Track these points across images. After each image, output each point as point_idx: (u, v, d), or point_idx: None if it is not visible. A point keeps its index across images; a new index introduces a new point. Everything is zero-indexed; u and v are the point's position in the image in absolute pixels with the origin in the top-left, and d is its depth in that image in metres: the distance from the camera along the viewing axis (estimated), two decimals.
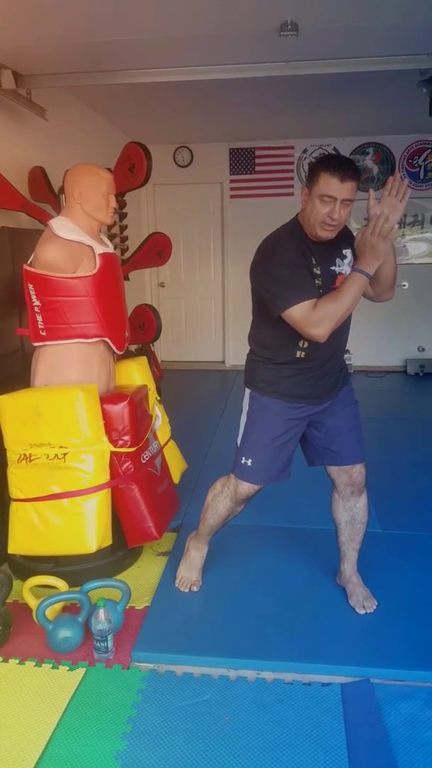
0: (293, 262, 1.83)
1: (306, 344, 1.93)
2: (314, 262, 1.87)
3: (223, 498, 2.19)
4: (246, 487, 2.11)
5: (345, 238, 1.94)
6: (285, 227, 1.95)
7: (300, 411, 2.03)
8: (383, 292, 2.00)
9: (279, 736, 1.65)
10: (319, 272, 1.87)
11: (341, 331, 1.96)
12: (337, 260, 1.92)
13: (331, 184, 1.76)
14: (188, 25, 2.66)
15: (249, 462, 2.07)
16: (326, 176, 1.76)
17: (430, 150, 5.98)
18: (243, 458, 2.08)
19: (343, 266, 1.93)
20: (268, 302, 1.88)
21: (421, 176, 6.06)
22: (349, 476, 2.12)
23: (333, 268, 1.91)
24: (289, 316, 1.81)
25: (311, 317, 1.78)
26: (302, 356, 1.97)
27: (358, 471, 2.12)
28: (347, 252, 1.94)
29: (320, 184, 1.78)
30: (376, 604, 2.16)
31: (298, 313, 1.79)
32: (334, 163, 1.77)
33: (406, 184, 1.76)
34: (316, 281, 1.86)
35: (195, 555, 2.36)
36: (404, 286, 6.31)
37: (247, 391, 2.10)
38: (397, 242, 6.22)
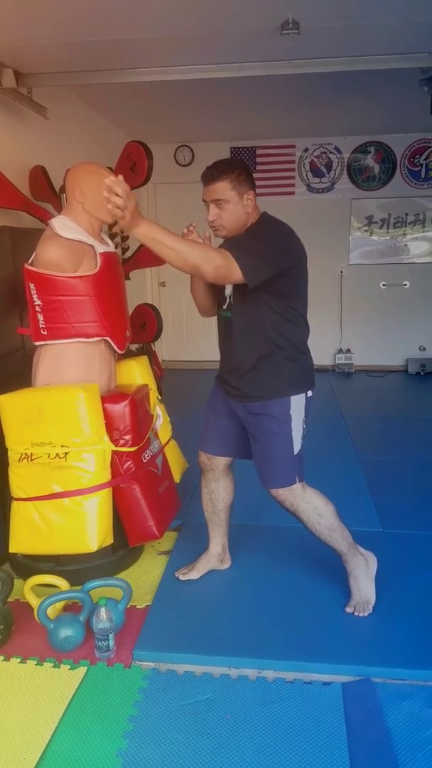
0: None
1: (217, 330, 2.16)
2: None
3: (200, 479, 2.36)
4: (199, 454, 2.31)
5: (254, 228, 1.98)
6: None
7: (221, 394, 2.19)
8: (195, 275, 1.90)
9: (280, 735, 1.65)
10: None
11: (231, 331, 2.03)
12: None
13: (202, 190, 1.94)
14: (189, 24, 2.66)
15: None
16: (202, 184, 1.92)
17: (431, 149, 5.98)
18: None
19: None
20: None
21: (423, 175, 6.06)
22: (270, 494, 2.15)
23: None
24: (237, 257, 1.94)
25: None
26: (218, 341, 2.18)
27: (271, 493, 2.09)
28: None
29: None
30: (371, 610, 2.12)
31: (243, 260, 1.93)
32: (204, 171, 1.94)
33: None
34: None
35: (203, 552, 2.42)
36: (405, 285, 6.31)
37: None
38: (398, 241, 6.23)
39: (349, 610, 2.14)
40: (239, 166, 1.93)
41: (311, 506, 2.08)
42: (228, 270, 1.78)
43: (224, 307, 2.06)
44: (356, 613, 2.12)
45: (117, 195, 1.59)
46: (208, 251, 1.78)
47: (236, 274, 1.79)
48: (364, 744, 1.62)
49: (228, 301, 2.03)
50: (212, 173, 1.90)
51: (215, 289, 2.10)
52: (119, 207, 1.60)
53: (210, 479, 2.31)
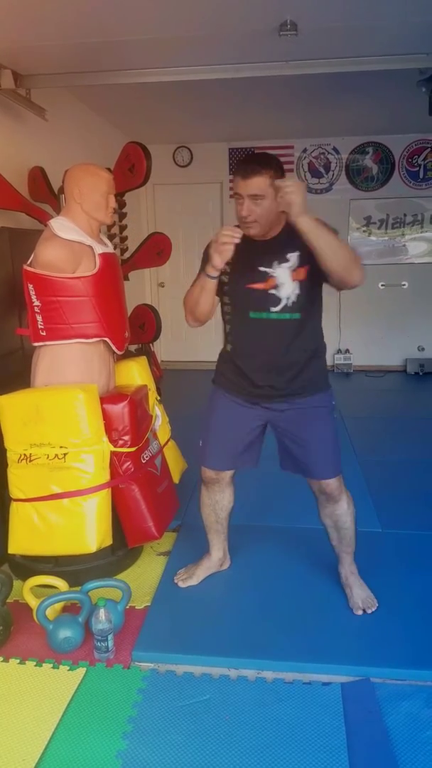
0: (205, 255, 1.96)
1: (231, 338, 2.08)
2: (233, 258, 1.86)
3: (201, 489, 2.31)
4: (205, 472, 2.24)
5: (294, 240, 1.86)
6: None
7: (243, 407, 2.10)
8: (336, 283, 1.90)
9: (279, 736, 1.65)
10: (229, 270, 1.95)
11: (274, 334, 1.97)
12: (274, 262, 1.91)
13: (237, 183, 1.85)
14: (188, 25, 2.66)
15: (201, 443, 2.23)
16: (235, 176, 1.87)
17: (429, 149, 5.98)
18: (200, 441, 2.24)
19: (278, 269, 1.91)
20: None
21: (421, 176, 6.06)
22: (319, 486, 2.12)
23: (263, 268, 1.91)
24: None
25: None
26: (230, 349, 2.10)
27: (326, 484, 2.10)
28: (292, 256, 1.91)
29: (234, 184, 1.88)
30: (376, 604, 2.16)
31: None
32: (240, 163, 1.88)
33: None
34: (223, 277, 1.96)
35: (204, 557, 2.40)
36: (404, 285, 6.32)
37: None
38: (397, 242, 6.24)
39: (359, 612, 2.13)
40: (276, 162, 1.88)
41: (349, 497, 2.16)
42: (363, 275, 1.88)
43: (276, 309, 1.95)
44: (369, 611, 2.13)
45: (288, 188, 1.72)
46: (353, 252, 1.87)
47: (361, 279, 1.89)
48: (363, 744, 1.62)
49: (284, 303, 1.94)
50: (252, 167, 1.82)
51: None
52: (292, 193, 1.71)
53: (215, 491, 2.27)
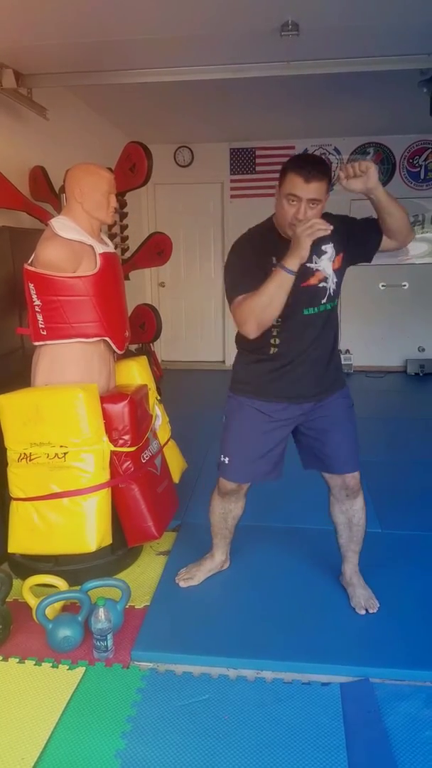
0: (248, 258, 1.88)
1: (278, 340, 1.95)
2: (278, 261, 1.81)
3: (212, 498, 2.26)
4: (227, 485, 2.19)
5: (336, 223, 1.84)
6: (256, 227, 1.99)
7: (278, 411, 2.04)
8: (401, 240, 1.97)
9: (278, 736, 1.65)
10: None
11: (317, 327, 1.97)
12: (314, 257, 1.90)
13: (296, 184, 1.75)
14: (189, 25, 2.66)
15: (226, 460, 2.14)
16: (292, 176, 1.76)
17: (430, 150, 5.99)
18: (222, 456, 2.15)
19: (321, 262, 1.92)
20: (227, 299, 1.92)
21: (422, 176, 6.07)
22: (342, 481, 2.12)
23: (309, 264, 1.90)
24: (231, 311, 1.87)
25: (239, 312, 1.83)
26: (275, 352, 1.98)
27: (351, 477, 2.11)
28: (327, 247, 1.92)
29: (286, 183, 1.78)
30: (378, 604, 2.16)
31: (233, 307, 1.85)
32: (299, 163, 1.78)
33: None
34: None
35: (206, 558, 2.40)
36: (404, 286, 6.32)
37: (228, 391, 2.14)
38: None
39: (362, 611, 2.13)
40: (329, 167, 1.85)
41: (363, 496, 2.17)
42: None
43: (325, 301, 1.95)
44: (371, 611, 2.13)
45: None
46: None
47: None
48: (362, 744, 1.62)
49: (329, 293, 1.95)
50: (316, 171, 1.74)
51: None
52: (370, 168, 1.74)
53: (230, 501, 2.25)
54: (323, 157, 6.09)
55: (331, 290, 1.97)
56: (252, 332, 1.83)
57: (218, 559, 2.39)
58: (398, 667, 1.88)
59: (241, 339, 2.03)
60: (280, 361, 1.99)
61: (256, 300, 1.78)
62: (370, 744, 1.62)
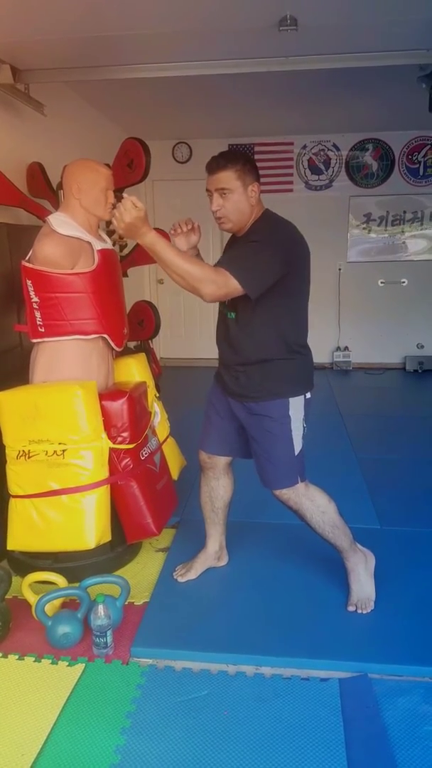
0: None
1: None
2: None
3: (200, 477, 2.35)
4: (199, 453, 2.31)
5: (247, 233, 1.97)
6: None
7: (219, 393, 2.19)
8: (192, 292, 1.91)
9: (277, 731, 1.65)
10: None
11: (228, 329, 2.04)
12: None
13: (207, 180, 1.93)
14: (187, 20, 2.65)
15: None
16: (206, 174, 1.93)
17: (429, 146, 5.98)
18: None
19: None
20: None
21: (421, 172, 6.06)
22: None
23: None
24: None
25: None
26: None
27: (275, 493, 2.10)
28: None
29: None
30: (372, 607, 2.13)
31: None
32: (209, 161, 1.92)
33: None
34: None
35: (201, 551, 2.41)
36: (403, 283, 6.31)
37: None
38: (396, 239, 6.23)
39: (351, 608, 2.13)
40: (244, 157, 1.94)
41: (314, 504, 2.09)
42: (227, 289, 1.81)
43: (225, 304, 2.04)
44: (359, 611, 2.12)
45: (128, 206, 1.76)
46: (206, 271, 1.81)
47: (236, 291, 1.82)
48: (361, 740, 1.63)
49: (228, 300, 1.98)
50: (218, 162, 1.90)
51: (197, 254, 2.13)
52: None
53: (210, 477, 2.31)
54: (323, 152, 6.10)
55: (227, 299, 1.94)
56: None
57: (211, 549, 2.40)
58: (397, 663, 1.88)
59: None
60: (218, 346, 2.14)
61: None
62: (368, 739, 1.63)
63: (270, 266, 1.84)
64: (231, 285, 1.80)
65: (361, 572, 2.18)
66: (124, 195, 1.80)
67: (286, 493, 2.07)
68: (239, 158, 1.91)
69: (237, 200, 1.90)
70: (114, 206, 2.37)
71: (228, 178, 1.88)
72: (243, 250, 1.89)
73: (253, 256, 1.85)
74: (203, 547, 2.41)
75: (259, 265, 1.83)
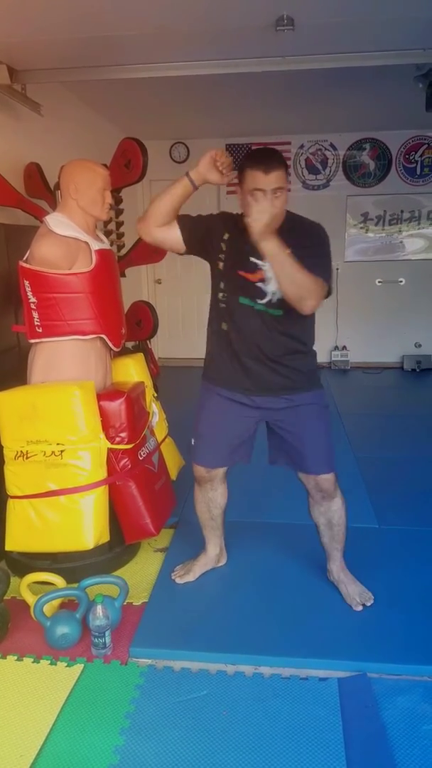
0: (201, 216, 2.03)
1: (227, 317, 2.00)
2: (229, 242, 1.93)
3: (195, 487, 2.30)
4: (198, 470, 2.23)
5: (289, 234, 1.83)
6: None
7: (236, 402, 2.08)
8: (293, 303, 1.88)
9: (277, 731, 1.65)
10: (225, 249, 1.95)
11: (261, 324, 1.96)
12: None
13: (258, 178, 1.79)
14: (184, 20, 2.65)
15: (193, 442, 2.21)
16: (251, 171, 1.80)
17: (426, 145, 5.98)
18: (192, 439, 2.21)
19: (268, 263, 1.86)
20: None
21: (418, 172, 6.07)
22: (315, 483, 2.12)
23: (255, 259, 1.89)
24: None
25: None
26: (225, 328, 2.02)
27: (323, 479, 2.11)
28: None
29: (248, 180, 1.82)
30: (372, 596, 2.16)
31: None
32: (255, 157, 1.83)
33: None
34: (219, 262, 1.97)
35: (201, 553, 2.40)
36: (401, 282, 6.32)
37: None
38: (394, 238, 6.23)
39: (359, 608, 2.13)
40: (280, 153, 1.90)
41: (341, 496, 2.17)
42: (322, 299, 1.87)
43: (262, 301, 1.94)
44: (367, 604, 2.14)
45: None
46: (317, 282, 1.82)
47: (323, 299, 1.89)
48: (360, 739, 1.63)
49: (269, 298, 1.93)
50: (272, 158, 1.80)
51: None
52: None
53: (207, 489, 2.27)
54: (320, 152, 6.10)
55: (272, 295, 1.92)
56: (144, 228, 1.94)
57: (212, 553, 2.40)
58: (396, 662, 1.88)
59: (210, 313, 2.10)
60: (232, 342, 2.02)
61: (155, 200, 1.93)
62: (367, 738, 1.63)
63: (330, 267, 1.95)
64: (323, 295, 1.86)
65: (346, 569, 2.22)
66: (260, 194, 1.77)
67: (333, 477, 2.12)
68: (282, 156, 1.86)
69: (284, 200, 1.83)
70: (111, 207, 2.39)
71: (282, 176, 1.81)
72: (318, 259, 1.87)
73: (329, 262, 1.93)
74: (203, 550, 2.40)
75: (329, 270, 1.92)
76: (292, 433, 2.09)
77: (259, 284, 1.92)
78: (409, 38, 2.89)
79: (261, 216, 1.72)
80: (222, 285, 2.00)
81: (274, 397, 2.05)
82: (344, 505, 2.17)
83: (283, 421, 2.09)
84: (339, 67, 3.20)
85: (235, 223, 1.95)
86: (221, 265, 1.98)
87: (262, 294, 1.93)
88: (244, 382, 2.06)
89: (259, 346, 1.99)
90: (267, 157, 1.81)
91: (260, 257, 1.87)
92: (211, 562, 2.40)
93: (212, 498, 2.29)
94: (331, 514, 2.15)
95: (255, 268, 1.91)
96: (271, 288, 1.92)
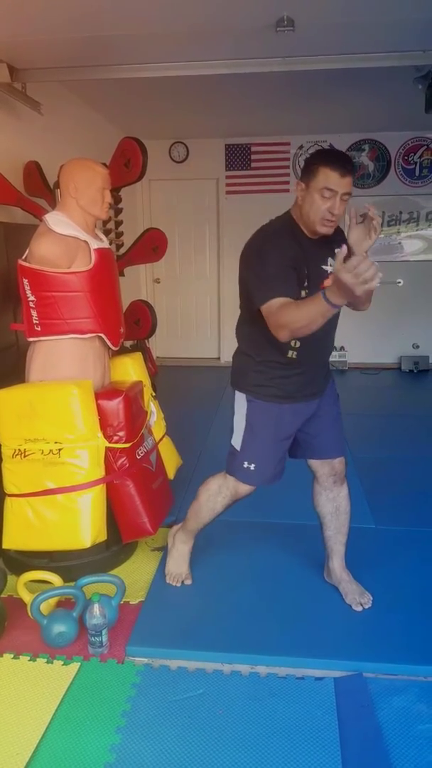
0: (281, 258, 1.80)
1: (298, 344, 1.91)
2: (306, 260, 1.84)
3: (221, 498, 2.17)
4: (246, 489, 2.12)
5: (339, 235, 1.93)
6: (278, 221, 1.93)
7: (299, 411, 2.05)
8: (358, 305, 1.93)
9: (272, 730, 1.66)
10: (307, 271, 1.85)
11: (329, 332, 1.99)
12: (329, 259, 1.91)
13: (332, 179, 1.76)
14: (184, 20, 2.66)
15: (252, 466, 2.05)
16: (326, 170, 1.77)
17: (425, 147, 5.99)
18: (246, 463, 2.06)
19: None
20: (252, 296, 1.84)
21: (417, 173, 6.07)
22: (331, 467, 2.15)
23: (324, 267, 1.90)
24: (263, 311, 1.79)
25: (275, 318, 1.74)
26: (294, 356, 1.95)
27: (339, 461, 2.16)
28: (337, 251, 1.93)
29: (320, 178, 1.78)
30: (371, 597, 2.17)
31: (268, 309, 1.76)
32: (333, 158, 1.79)
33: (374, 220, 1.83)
34: (305, 282, 1.84)
35: (183, 549, 2.37)
36: (399, 283, 6.33)
37: (240, 394, 2.06)
38: (392, 239, 6.24)
39: (359, 608, 2.14)
40: None
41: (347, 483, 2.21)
42: None
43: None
44: (367, 606, 2.15)
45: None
46: None
47: None
48: (356, 738, 1.63)
49: None
50: (349, 166, 1.79)
51: None
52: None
53: (237, 502, 2.20)
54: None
55: None
56: (284, 339, 1.77)
57: (192, 544, 2.36)
58: (392, 662, 1.89)
59: (254, 338, 1.97)
60: (298, 365, 1.97)
61: (295, 317, 1.69)
62: (363, 738, 1.64)
63: None
64: None
65: (347, 572, 2.22)
66: (366, 256, 1.48)
67: (345, 460, 2.17)
68: (353, 163, 1.86)
69: (347, 206, 1.83)
70: (111, 206, 2.39)
71: (351, 184, 1.81)
72: None
73: None
74: (181, 545, 2.36)
75: None
76: (315, 420, 2.10)
77: None
78: (408, 40, 2.90)
79: (366, 281, 1.44)
80: None
81: (321, 395, 2.10)
82: (349, 494, 2.20)
83: (327, 398, 2.13)
84: (339, 68, 3.20)
85: (295, 237, 1.87)
86: (304, 293, 1.85)
87: None
88: (311, 389, 2.04)
89: (326, 349, 2.05)
90: (345, 161, 1.79)
91: (326, 262, 1.90)
92: (187, 553, 2.37)
93: (228, 507, 2.22)
94: (340, 500, 2.17)
95: (327, 274, 1.90)
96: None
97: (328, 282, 1.87)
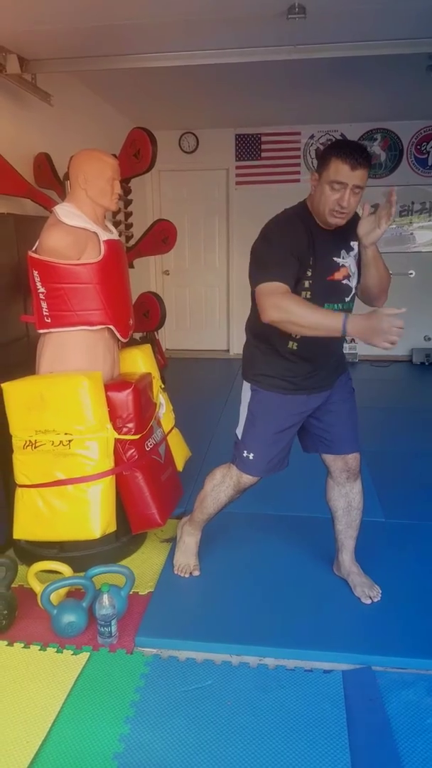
0: (284, 244, 1.79)
1: (298, 335, 1.88)
2: (313, 250, 1.82)
3: (225, 488, 2.19)
4: (248, 479, 2.13)
5: (353, 228, 1.88)
6: (292, 209, 1.92)
7: (302, 404, 2.03)
8: (371, 300, 1.96)
9: (280, 722, 1.66)
10: (313, 261, 1.83)
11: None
12: (342, 251, 1.89)
13: (342, 171, 1.74)
14: (195, 9, 2.63)
15: (251, 456, 2.07)
16: (337, 162, 1.74)
17: None
18: (245, 452, 2.08)
19: (348, 258, 1.90)
20: (251, 277, 1.84)
21: (429, 163, 6.00)
22: (344, 462, 2.13)
23: (336, 258, 1.88)
24: (256, 291, 1.78)
25: (270, 299, 1.72)
26: (295, 348, 1.94)
27: (353, 457, 2.14)
28: (355, 244, 1.91)
29: (330, 170, 1.76)
30: (380, 591, 2.17)
31: (261, 290, 1.75)
32: (345, 149, 1.75)
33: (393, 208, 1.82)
34: (308, 270, 1.82)
35: (190, 541, 2.38)
36: (411, 274, 6.27)
37: (246, 384, 2.08)
38: (404, 230, 6.18)
39: (368, 601, 2.13)
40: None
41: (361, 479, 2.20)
42: None
43: (348, 298, 1.94)
44: (376, 599, 2.14)
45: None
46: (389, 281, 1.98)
47: None
48: (364, 732, 1.63)
49: (353, 292, 1.95)
50: (362, 158, 1.74)
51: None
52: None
53: (242, 493, 2.21)
54: (330, 142, 6.05)
55: (355, 287, 1.95)
56: (267, 320, 1.76)
57: (200, 536, 2.38)
58: (400, 656, 1.89)
59: (258, 330, 1.97)
60: (301, 356, 1.96)
61: (303, 314, 1.69)
62: (371, 731, 1.64)
63: None
64: None
65: (357, 565, 2.21)
66: (392, 314, 1.59)
67: (359, 456, 2.15)
68: (369, 154, 1.79)
69: (359, 199, 1.81)
70: (120, 197, 2.38)
71: (365, 176, 1.77)
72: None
73: None
74: (189, 536, 2.38)
75: None
76: (324, 414, 2.09)
77: (346, 281, 1.92)
78: (422, 27, 2.85)
79: (391, 339, 1.59)
80: (308, 295, 1.85)
81: (329, 388, 2.08)
82: (363, 490, 2.19)
83: (324, 406, 2.09)
84: (350, 56, 3.16)
85: (305, 226, 1.85)
86: (307, 283, 1.85)
87: (349, 290, 1.94)
88: (316, 382, 2.02)
89: (332, 343, 1.98)
90: (357, 152, 1.73)
91: (339, 255, 1.88)
92: (194, 545, 2.39)
93: (236, 498, 2.23)
94: (352, 495, 2.16)
95: (339, 267, 1.89)
96: (354, 282, 1.94)
97: (339, 275, 1.86)
